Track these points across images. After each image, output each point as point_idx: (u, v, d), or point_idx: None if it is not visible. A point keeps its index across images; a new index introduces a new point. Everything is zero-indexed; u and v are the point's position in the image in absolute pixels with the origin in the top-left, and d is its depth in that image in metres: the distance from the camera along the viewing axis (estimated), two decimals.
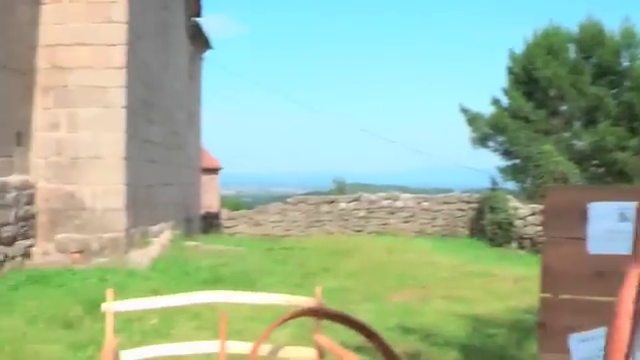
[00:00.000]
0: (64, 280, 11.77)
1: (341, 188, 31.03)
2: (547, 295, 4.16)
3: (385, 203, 26.30)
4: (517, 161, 32.79)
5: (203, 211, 24.42)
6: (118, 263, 13.26)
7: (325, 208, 26.50)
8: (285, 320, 4.52)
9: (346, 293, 11.57)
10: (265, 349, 4.96)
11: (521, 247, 20.92)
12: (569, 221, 4.07)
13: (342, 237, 23.59)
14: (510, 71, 34.35)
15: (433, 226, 25.79)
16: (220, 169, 36.89)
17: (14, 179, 13.21)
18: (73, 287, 11.28)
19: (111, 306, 4.94)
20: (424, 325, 9.86)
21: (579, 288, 4.09)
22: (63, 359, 7.55)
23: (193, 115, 22.44)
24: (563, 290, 4.12)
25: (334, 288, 11.07)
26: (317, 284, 5.38)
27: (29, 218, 13.70)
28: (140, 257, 13.56)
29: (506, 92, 34.48)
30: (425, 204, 26.17)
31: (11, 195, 13.01)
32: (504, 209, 22.04)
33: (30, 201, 13.74)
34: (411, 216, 26.08)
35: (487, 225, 22.50)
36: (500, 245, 21.33)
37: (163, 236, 15.62)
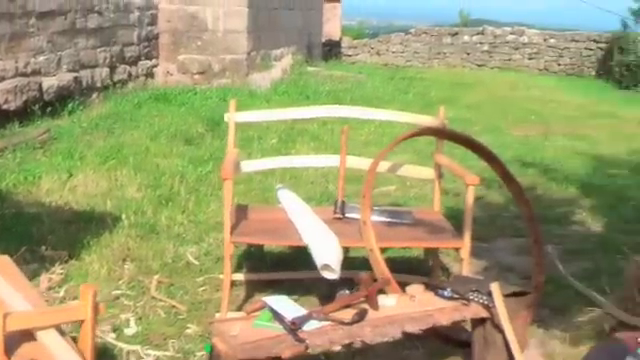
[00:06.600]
0: (186, 99, 12.00)
1: (465, 23, 30.11)
2: None
3: (510, 38, 25.39)
4: None
5: (324, 39, 24.16)
6: (239, 85, 13.40)
7: (447, 40, 25.83)
8: (407, 137, 4.31)
9: (466, 124, 11.42)
10: (384, 166, 4.91)
11: None
12: None
13: (464, 71, 23.16)
14: None
15: (559, 64, 24.71)
16: None
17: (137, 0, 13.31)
18: (195, 106, 11.49)
19: (233, 116, 4.99)
20: (544, 160, 9.73)
21: None
22: (184, 172, 7.75)
23: None
24: None
25: (454, 118, 10.82)
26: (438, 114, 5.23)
27: (152, 39, 13.86)
28: (261, 79, 13.64)
29: None
30: (552, 41, 25.06)
31: (134, 15, 13.13)
32: (634, 51, 21.08)
33: (153, 22, 13.85)
34: (536, 53, 25.10)
35: (615, 66, 21.59)
36: (627, 87, 20.51)
37: (284, 60, 15.61)
